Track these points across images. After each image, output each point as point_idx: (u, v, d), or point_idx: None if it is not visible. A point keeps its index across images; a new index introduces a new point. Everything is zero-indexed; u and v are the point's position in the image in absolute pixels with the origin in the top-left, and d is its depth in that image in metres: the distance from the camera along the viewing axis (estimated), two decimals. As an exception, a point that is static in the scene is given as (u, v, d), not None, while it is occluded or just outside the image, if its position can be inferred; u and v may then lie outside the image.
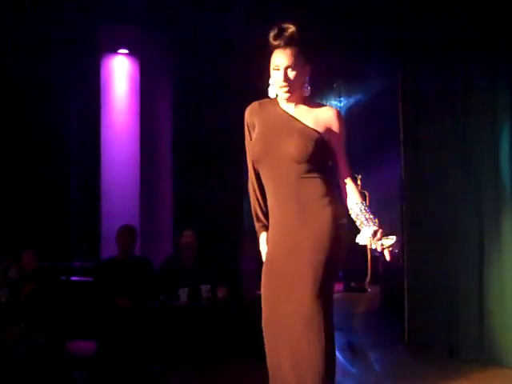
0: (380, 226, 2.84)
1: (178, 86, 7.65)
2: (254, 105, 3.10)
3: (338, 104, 9.08)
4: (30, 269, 5.70)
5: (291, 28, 2.93)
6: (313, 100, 3.06)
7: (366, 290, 8.80)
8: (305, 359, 2.83)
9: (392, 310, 7.53)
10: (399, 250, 9.61)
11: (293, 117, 2.98)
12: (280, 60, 2.94)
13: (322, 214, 2.90)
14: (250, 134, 3.09)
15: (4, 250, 6.02)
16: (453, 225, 5.95)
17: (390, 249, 2.80)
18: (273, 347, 2.95)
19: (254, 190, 3.12)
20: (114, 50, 7.66)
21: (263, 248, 3.10)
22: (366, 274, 8.88)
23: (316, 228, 2.88)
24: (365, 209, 2.91)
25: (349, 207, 2.97)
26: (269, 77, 3.01)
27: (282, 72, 2.93)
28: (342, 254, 2.94)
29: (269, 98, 3.05)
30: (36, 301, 5.52)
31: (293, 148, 2.88)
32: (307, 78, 2.98)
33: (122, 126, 7.63)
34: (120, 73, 7.71)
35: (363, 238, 2.85)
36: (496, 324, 5.63)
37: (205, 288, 5.78)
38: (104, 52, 7.63)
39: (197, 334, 5.55)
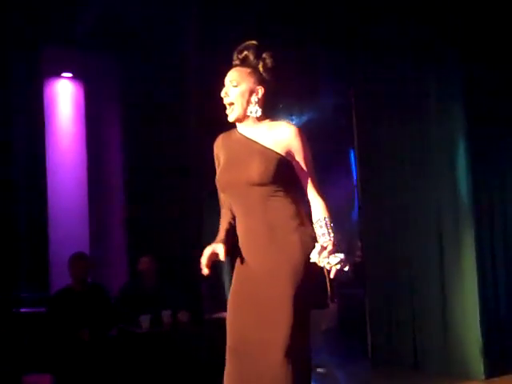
0: (334, 243, 2.75)
1: (127, 109, 7.52)
2: (218, 139, 3.10)
3: (290, 122, 8.99)
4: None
5: (247, 49, 2.96)
6: (271, 118, 3.01)
7: (327, 306, 8.78)
8: None
9: (351, 326, 7.54)
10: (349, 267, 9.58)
11: (251, 140, 2.95)
12: (227, 77, 2.99)
13: (293, 238, 2.84)
14: (217, 167, 3.07)
15: None
16: (413, 239, 5.98)
17: (338, 267, 2.70)
18: (237, 376, 2.85)
19: (224, 215, 3.07)
20: (57, 74, 7.51)
21: (208, 251, 2.89)
22: (326, 290, 8.83)
23: (288, 254, 2.82)
24: (323, 224, 2.84)
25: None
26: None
27: (225, 88, 2.97)
28: (314, 277, 2.86)
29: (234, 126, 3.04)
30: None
31: (253, 171, 2.84)
32: (256, 99, 2.93)
33: (68, 150, 7.46)
34: (64, 97, 7.55)
35: (312, 255, 2.75)
36: (459, 336, 5.66)
37: (166, 313, 5.63)
38: (47, 75, 7.45)
39: (161, 361, 5.39)
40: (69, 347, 5.41)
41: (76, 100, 7.60)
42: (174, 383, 5.41)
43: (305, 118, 8.45)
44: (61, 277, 6.21)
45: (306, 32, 6.27)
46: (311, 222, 2.91)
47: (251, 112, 2.94)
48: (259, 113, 2.94)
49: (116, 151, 7.58)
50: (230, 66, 3.03)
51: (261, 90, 2.94)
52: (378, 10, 6.07)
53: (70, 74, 7.56)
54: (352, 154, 11.09)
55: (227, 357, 2.90)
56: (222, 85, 3.01)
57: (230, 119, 2.98)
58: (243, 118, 2.96)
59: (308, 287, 2.84)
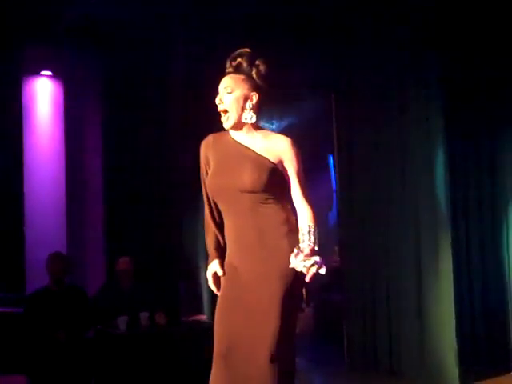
0: (312, 248, 2.76)
1: (107, 108, 7.46)
2: (208, 138, 3.08)
3: (270, 126, 9.08)
4: None
5: (241, 56, 2.96)
6: (265, 128, 3.05)
7: (302, 310, 8.81)
8: None
9: (327, 330, 7.56)
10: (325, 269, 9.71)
11: (244, 146, 2.95)
12: (220, 84, 2.99)
13: (282, 244, 2.86)
14: (205, 168, 3.05)
15: None
16: (390, 246, 6.02)
17: (313, 269, 2.69)
18: (225, 380, 2.83)
19: (207, 226, 3.07)
20: (36, 72, 7.44)
21: (209, 275, 3.02)
22: (302, 294, 8.87)
23: (278, 260, 2.83)
24: (306, 231, 2.84)
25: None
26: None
27: (219, 95, 2.97)
28: (302, 284, 2.87)
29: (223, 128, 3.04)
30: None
31: (246, 178, 2.85)
32: (250, 105, 2.92)
33: (46, 150, 7.38)
34: (43, 95, 7.48)
35: (291, 259, 2.75)
36: (435, 342, 5.69)
37: (144, 315, 5.60)
38: (26, 74, 7.38)
39: (138, 363, 5.36)
40: (45, 348, 5.36)
41: (55, 99, 7.52)
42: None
43: (285, 123, 8.47)
44: (36, 277, 6.17)
45: (288, 36, 6.27)
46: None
47: (246, 118, 2.93)
48: (254, 119, 2.94)
49: (95, 151, 7.50)
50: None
51: (255, 97, 2.93)
52: (359, 15, 6.10)
53: (49, 73, 7.47)
54: (331, 159, 11.14)
55: (214, 361, 2.89)
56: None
57: (226, 127, 2.98)
58: (238, 125, 2.95)
59: (296, 292, 2.88)
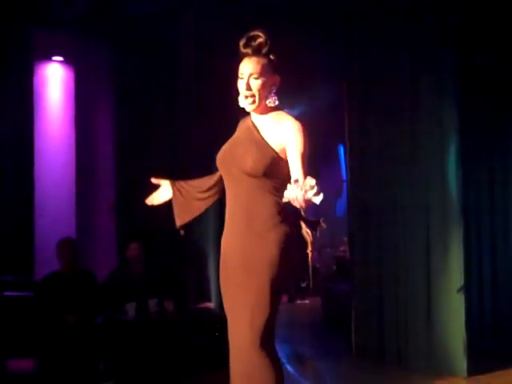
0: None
1: (118, 94, 7.47)
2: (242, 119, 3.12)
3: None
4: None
5: (260, 37, 2.92)
6: (282, 110, 3.00)
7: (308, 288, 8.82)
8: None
9: (335, 320, 7.55)
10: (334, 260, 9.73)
11: (256, 129, 2.96)
12: (244, 68, 2.95)
13: (268, 237, 2.86)
14: None
15: None
16: (400, 235, 5.99)
17: (311, 195, 2.50)
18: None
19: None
20: (48, 58, 7.45)
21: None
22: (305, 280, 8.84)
23: (263, 251, 2.85)
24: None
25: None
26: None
27: (245, 80, 2.93)
28: (287, 274, 2.92)
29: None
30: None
31: (247, 160, 2.87)
32: (274, 89, 2.94)
33: (57, 135, 7.42)
34: (54, 81, 7.51)
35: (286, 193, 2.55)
36: (443, 333, 5.67)
37: (152, 302, 5.63)
38: (38, 59, 7.39)
39: (146, 349, 5.38)
40: (54, 332, 5.39)
41: (66, 84, 7.55)
42: (158, 371, 5.43)
43: (296, 112, 8.41)
44: (46, 262, 6.20)
45: (300, 24, 6.24)
46: (291, 223, 2.92)
47: (269, 102, 2.94)
48: (277, 102, 2.96)
49: (106, 136, 7.52)
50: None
51: (278, 80, 2.96)
52: (373, 7, 6.06)
53: (60, 58, 7.51)
54: (342, 150, 11.13)
55: None
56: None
57: (249, 109, 2.99)
58: (260, 108, 2.96)
59: (282, 281, 2.90)
